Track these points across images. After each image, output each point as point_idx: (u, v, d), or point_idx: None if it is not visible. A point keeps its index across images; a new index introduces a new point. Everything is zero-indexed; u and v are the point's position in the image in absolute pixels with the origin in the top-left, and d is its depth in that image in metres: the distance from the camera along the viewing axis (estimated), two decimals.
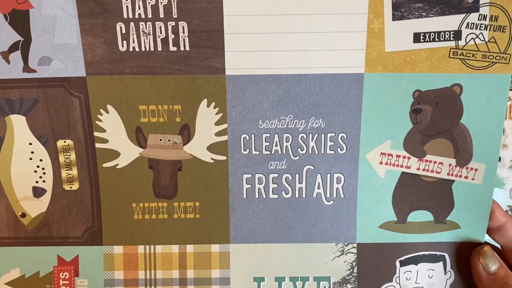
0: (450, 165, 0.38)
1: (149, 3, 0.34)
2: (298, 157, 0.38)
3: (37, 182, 0.38)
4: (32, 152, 0.38)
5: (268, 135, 0.37)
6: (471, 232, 0.39)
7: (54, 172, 0.38)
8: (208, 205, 0.38)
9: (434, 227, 0.39)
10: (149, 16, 0.35)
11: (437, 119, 0.37)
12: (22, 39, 0.35)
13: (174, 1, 0.34)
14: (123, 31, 0.35)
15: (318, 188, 0.38)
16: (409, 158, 0.38)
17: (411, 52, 0.35)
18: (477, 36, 0.35)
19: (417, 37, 0.35)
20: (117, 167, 0.38)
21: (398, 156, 0.38)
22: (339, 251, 0.39)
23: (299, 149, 0.38)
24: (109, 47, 0.35)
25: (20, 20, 0.35)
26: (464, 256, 0.39)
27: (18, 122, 0.37)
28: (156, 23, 0.35)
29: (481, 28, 0.35)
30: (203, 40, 0.35)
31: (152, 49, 0.35)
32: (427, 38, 0.35)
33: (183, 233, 0.39)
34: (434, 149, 0.37)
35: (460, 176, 0.38)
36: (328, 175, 0.38)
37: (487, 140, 0.37)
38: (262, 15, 0.35)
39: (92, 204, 0.38)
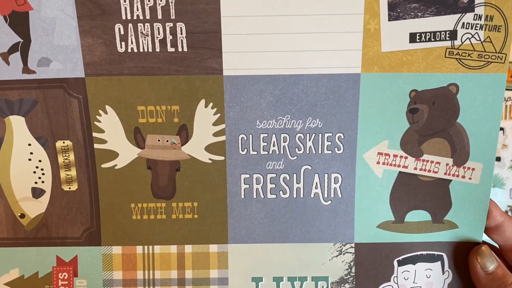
0: (447, 164, 0.38)
1: (147, 4, 0.35)
2: (295, 157, 0.38)
3: (36, 182, 0.38)
4: (31, 153, 0.38)
5: (266, 135, 0.37)
6: (469, 232, 0.39)
7: (53, 173, 0.38)
8: (206, 205, 0.39)
9: (431, 226, 0.39)
10: (147, 17, 0.35)
11: (434, 118, 0.37)
12: (22, 41, 0.35)
13: (172, 3, 0.35)
14: (122, 32, 0.35)
15: (316, 188, 0.38)
16: (406, 157, 0.38)
17: (407, 52, 0.35)
18: (472, 36, 0.35)
19: (413, 37, 0.35)
20: (116, 167, 0.38)
21: (395, 156, 0.38)
22: (337, 251, 0.39)
23: (296, 149, 0.38)
24: (108, 48, 0.35)
25: (19, 22, 0.35)
26: (462, 255, 0.39)
27: (17, 123, 0.37)
28: (154, 24, 0.35)
29: (476, 28, 0.35)
30: (201, 41, 0.35)
31: (150, 50, 0.36)
32: (423, 38, 0.35)
33: (182, 234, 0.39)
34: (431, 149, 0.37)
35: (457, 176, 0.38)
36: (326, 175, 0.38)
37: (483, 140, 0.37)
38: (259, 16, 0.35)
39: (91, 204, 0.38)
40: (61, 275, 0.39)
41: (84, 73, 0.36)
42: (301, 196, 0.39)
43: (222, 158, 0.38)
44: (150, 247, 0.39)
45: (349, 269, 0.40)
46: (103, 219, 0.39)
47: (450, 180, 0.38)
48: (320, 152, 0.38)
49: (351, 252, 0.39)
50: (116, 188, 0.38)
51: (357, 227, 0.39)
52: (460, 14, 0.35)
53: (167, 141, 0.38)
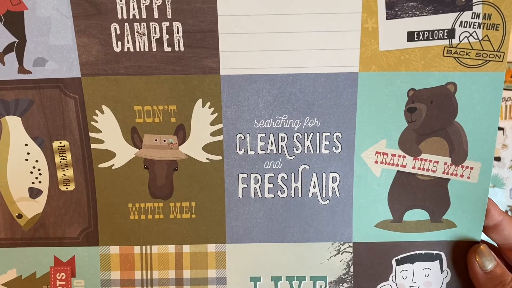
0: (445, 163, 0.38)
1: (143, 3, 0.34)
2: (293, 157, 0.38)
3: (33, 183, 0.38)
4: (28, 153, 0.38)
5: (264, 134, 0.37)
6: (467, 231, 0.39)
7: (50, 173, 0.38)
8: (204, 205, 0.39)
9: (430, 226, 0.39)
10: (144, 16, 0.35)
11: (432, 117, 0.37)
12: (17, 41, 0.35)
13: (168, 2, 0.34)
14: (118, 32, 0.35)
15: (314, 187, 0.38)
16: (404, 157, 0.38)
17: (405, 51, 0.35)
18: (470, 35, 0.35)
19: (411, 36, 0.35)
20: (113, 167, 0.38)
21: (393, 155, 0.38)
22: (335, 250, 0.39)
23: (294, 148, 0.38)
24: (104, 47, 0.35)
25: (14, 22, 0.35)
26: (461, 254, 0.39)
27: (13, 123, 0.37)
28: (151, 23, 0.35)
29: (474, 27, 0.35)
30: (198, 40, 0.35)
31: (146, 49, 0.35)
32: (421, 36, 0.35)
33: (179, 233, 0.39)
34: (429, 148, 0.37)
35: (456, 175, 0.38)
36: (324, 174, 0.38)
37: (482, 139, 0.37)
38: (256, 15, 0.35)
39: (88, 204, 0.38)
40: (58, 275, 0.39)
41: (80, 73, 0.36)
42: (299, 195, 0.38)
43: (219, 157, 0.38)
44: (148, 247, 0.39)
45: (347, 269, 0.39)
46: (100, 219, 0.39)
47: (449, 179, 0.38)
48: (318, 151, 0.38)
49: (349, 252, 0.39)
50: (113, 188, 0.38)
51: (355, 227, 0.39)
52: (458, 13, 0.35)
53: (165, 141, 0.37)
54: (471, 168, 0.37)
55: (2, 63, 0.35)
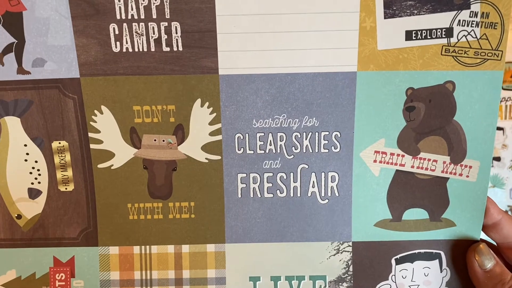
0: (444, 162, 0.38)
1: (141, 4, 0.35)
2: (292, 156, 0.38)
3: (32, 183, 0.38)
4: (27, 154, 0.38)
5: (262, 134, 0.37)
6: (466, 230, 0.39)
7: (49, 173, 0.38)
8: (203, 205, 0.39)
9: (429, 225, 0.39)
10: (142, 16, 0.35)
11: (431, 116, 0.37)
12: (16, 41, 0.35)
13: (166, 2, 0.35)
14: (116, 32, 0.35)
15: (313, 187, 0.38)
16: (403, 156, 0.38)
17: (403, 50, 0.35)
18: (468, 33, 0.35)
19: (409, 35, 0.35)
20: (112, 167, 0.38)
21: (392, 154, 0.38)
22: (335, 249, 0.39)
23: (293, 148, 0.38)
24: (103, 48, 0.35)
25: (13, 22, 0.35)
26: (460, 253, 0.39)
27: (12, 124, 0.37)
28: (149, 23, 0.35)
29: (472, 25, 0.35)
30: (196, 40, 0.35)
31: (145, 49, 0.35)
32: (419, 35, 0.35)
33: (179, 233, 0.39)
34: (428, 147, 0.37)
35: (455, 174, 0.38)
36: (323, 173, 0.38)
37: (480, 137, 0.37)
38: (254, 14, 0.35)
39: (88, 205, 0.38)
40: (58, 276, 0.39)
41: (79, 73, 0.36)
42: (298, 195, 0.38)
43: (218, 157, 0.38)
44: (147, 247, 0.39)
45: (347, 268, 0.39)
46: (99, 219, 0.39)
47: (447, 178, 0.38)
48: (316, 150, 0.38)
49: (348, 251, 0.39)
50: (112, 188, 0.38)
51: (355, 226, 0.39)
52: (456, 12, 0.35)
53: (163, 141, 0.38)
54: (470, 167, 0.37)
55: (1, 64, 0.36)
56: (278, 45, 0.35)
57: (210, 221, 0.39)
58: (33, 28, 0.35)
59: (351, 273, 0.39)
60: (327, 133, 0.37)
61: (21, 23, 0.35)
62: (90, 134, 0.37)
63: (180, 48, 0.35)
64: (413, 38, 0.35)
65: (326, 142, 0.37)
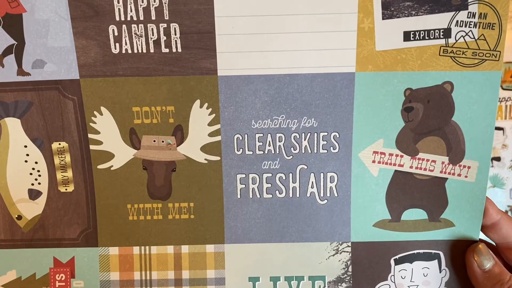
0: (443, 163, 0.38)
1: (140, 5, 0.35)
2: (291, 157, 0.38)
3: (32, 184, 0.38)
4: (27, 155, 0.38)
5: (261, 135, 0.37)
6: (465, 230, 0.39)
7: (50, 174, 0.38)
8: (203, 206, 0.39)
9: (428, 225, 0.39)
10: (141, 18, 0.35)
11: (429, 117, 0.37)
12: (16, 43, 0.35)
13: (165, 3, 0.35)
14: (116, 34, 0.35)
15: (312, 187, 0.38)
16: (401, 156, 0.38)
17: (401, 51, 0.35)
18: (466, 34, 0.35)
19: (407, 36, 0.35)
20: (112, 168, 0.38)
21: (390, 154, 0.38)
22: (334, 250, 0.39)
23: (292, 148, 0.38)
24: (102, 49, 0.36)
25: (13, 24, 0.35)
26: (459, 254, 0.39)
27: (13, 125, 0.37)
28: (148, 25, 0.35)
29: (470, 26, 0.35)
30: (195, 42, 0.35)
31: (144, 51, 0.36)
32: (417, 36, 0.35)
33: (178, 234, 0.39)
34: (427, 147, 0.37)
35: (453, 174, 0.38)
36: (322, 174, 0.38)
37: (479, 138, 0.37)
38: (253, 15, 0.35)
39: (87, 205, 0.39)
40: (58, 276, 0.39)
41: (78, 75, 0.36)
42: (297, 195, 0.39)
43: (217, 158, 0.38)
44: (147, 247, 0.39)
45: (346, 268, 0.39)
46: (99, 220, 0.39)
47: (446, 179, 0.38)
48: (315, 151, 0.38)
49: (347, 251, 0.39)
50: (112, 189, 0.38)
51: (354, 226, 0.39)
52: (454, 12, 0.35)
53: (163, 141, 0.38)
54: (469, 167, 0.38)
55: (1, 66, 0.36)
56: (277, 46, 0.35)
57: (210, 221, 0.39)
58: (33, 30, 0.35)
59: (350, 273, 0.40)
60: (326, 133, 0.37)
61: (21, 25, 0.35)
62: (90, 135, 0.37)
63: (179, 49, 0.36)
64: (411, 38, 0.35)
65: (325, 142, 0.38)
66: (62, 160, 0.38)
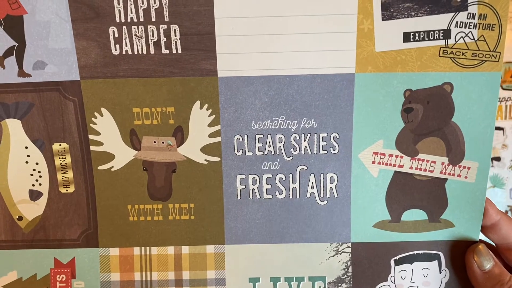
0: (442, 163, 0.38)
1: (141, 7, 0.35)
2: (291, 158, 0.38)
3: (33, 185, 0.38)
4: (28, 156, 0.38)
5: (261, 136, 0.38)
6: (465, 231, 0.39)
7: (50, 175, 0.38)
8: (203, 206, 0.39)
9: (428, 226, 0.39)
10: (141, 19, 0.35)
11: (429, 118, 0.37)
12: (17, 44, 0.35)
13: (165, 5, 0.35)
14: (116, 35, 0.35)
15: (312, 188, 0.38)
16: (401, 157, 0.38)
17: (401, 52, 0.36)
18: (466, 35, 0.35)
19: (406, 37, 0.35)
20: (112, 169, 0.38)
21: (390, 155, 0.38)
22: (334, 250, 0.39)
23: (292, 149, 0.38)
24: (103, 50, 0.36)
25: (14, 26, 0.35)
26: (459, 254, 0.39)
27: (13, 126, 0.37)
28: (148, 26, 0.35)
29: (470, 27, 0.35)
30: (195, 43, 0.36)
31: (144, 52, 0.36)
32: (416, 37, 0.35)
33: (178, 235, 0.39)
34: (427, 148, 0.37)
35: (453, 175, 0.38)
36: (321, 175, 0.38)
37: (479, 138, 0.37)
38: (252, 17, 0.35)
39: (88, 206, 0.39)
40: (59, 277, 0.39)
41: (79, 76, 0.36)
42: (297, 196, 0.39)
43: (218, 159, 0.38)
44: (147, 248, 0.39)
45: (346, 269, 0.40)
46: (100, 220, 0.39)
47: (446, 179, 0.38)
48: (315, 152, 0.38)
49: (347, 252, 0.39)
50: (112, 190, 0.38)
51: (354, 227, 0.39)
52: (453, 13, 0.35)
53: (163, 142, 0.38)
54: (469, 168, 0.38)
55: (2, 67, 0.36)
56: (277, 47, 0.36)
57: (210, 222, 0.39)
58: (34, 31, 0.35)
59: (350, 274, 0.40)
60: (326, 134, 0.37)
61: (22, 27, 0.35)
62: (90, 136, 0.38)
63: (179, 51, 0.36)
64: (411, 39, 0.35)
65: (325, 143, 0.38)
66: (62, 161, 0.38)
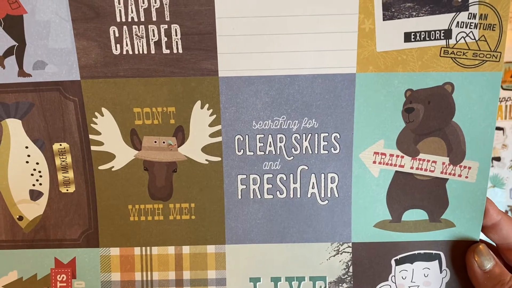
0: (443, 163, 0.38)
1: (141, 6, 0.35)
2: (292, 158, 0.38)
3: (33, 185, 0.38)
4: (29, 156, 0.38)
5: (262, 135, 0.38)
6: (466, 231, 0.39)
7: (51, 175, 0.38)
8: (204, 206, 0.39)
9: (429, 225, 0.39)
10: (142, 19, 0.35)
11: (430, 118, 0.37)
12: (17, 44, 0.35)
13: (166, 4, 0.35)
14: (117, 35, 0.35)
15: (313, 188, 0.38)
16: (402, 157, 0.38)
17: (402, 52, 0.35)
18: (467, 35, 0.35)
19: (408, 37, 0.35)
20: (113, 169, 0.38)
21: (391, 155, 0.38)
22: (335, 250, 0.39)
23: (293, 149, 0.38)
24: (103, 50, 0.36)
25: (14, 25, 0.35)
26: (460, 254, 0.39)
27: (14, 126, 0.37)
28: (149, 26, 0.35)
29: (471, 27, 0.35)
30: (196, 43, 0.35)
31: (145, 52, 0.36)
32: (417, 37, 0.35)
33: (179, 235, 0.39)
34: (427, 148, 0.37)
35: (454, 175, 0.38)
36: (322, 175, 0.38)
37: (479, 138, 0.37)
38: (253, 16, 0.35)
39: (89, 206, 0.39)
40: (59, 277, 0.39)
41: (79, 76, 0.36)
42: (298, 196, 0.39)
43: (218, 159, 0.38)
44: (148, 248, 0.39)
45: (347, 269, 0.40)
46: (100, 220, 0.39)
47: (447, 179, 0.38)
48: (316, 152, 0.38)
49: (348, 252, 0.39)
50: (113, 190, 0.38)
51: (354, 227, 0.39)
52: (454, 13, 0.35)
53: (164, 142, 0.38)
54: (469, 168, 0.38)
55: (2, 67, 0.36)
56: (277, 47, 0.35)
57: (211, 222, 0.39)
58: (34, 31, 0.35)
59: (351, 274, 0.40)
60: (327, 134, 0.37)
61: (22, 26, 0.35)
62: (91, 136, 0.37)
63: (180, 50, 0.36)
64: (412, 39, 0.35)
65: (326, 143, 0.38)
66: (63, 161, 0.38)
